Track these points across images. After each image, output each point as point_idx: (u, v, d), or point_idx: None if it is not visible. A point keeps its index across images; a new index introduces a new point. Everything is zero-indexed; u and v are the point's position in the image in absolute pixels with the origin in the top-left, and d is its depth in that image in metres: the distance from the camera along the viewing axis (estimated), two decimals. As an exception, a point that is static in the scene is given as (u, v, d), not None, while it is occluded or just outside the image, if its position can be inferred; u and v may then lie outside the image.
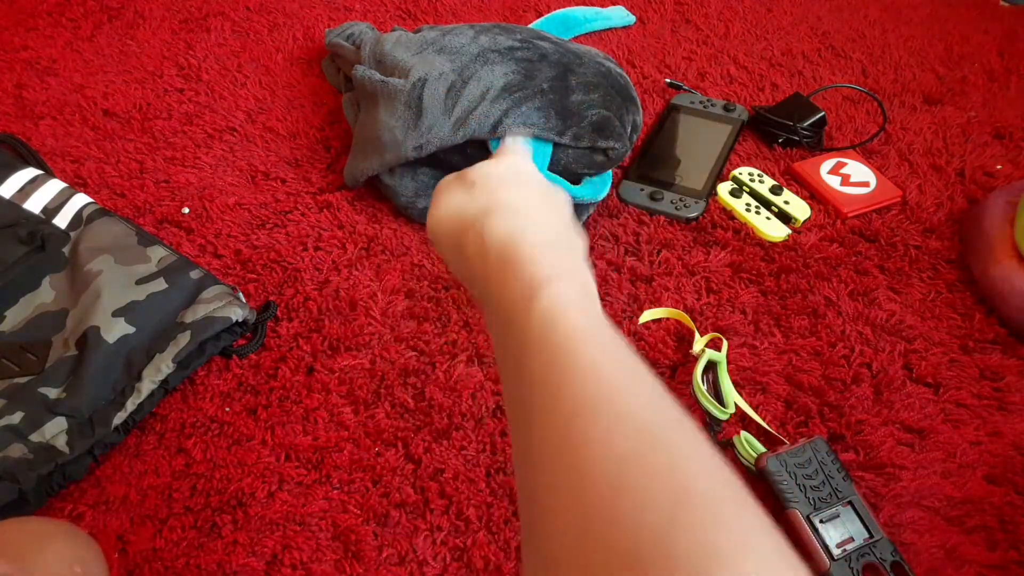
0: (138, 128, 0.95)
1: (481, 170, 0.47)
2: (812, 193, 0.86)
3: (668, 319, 0.75)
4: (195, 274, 0.73)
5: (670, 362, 0.71)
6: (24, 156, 0.87)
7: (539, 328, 0.34)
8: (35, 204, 0.79)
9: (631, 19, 1.13)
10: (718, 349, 0.70)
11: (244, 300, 0.73)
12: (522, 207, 0.43)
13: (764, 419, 0.66)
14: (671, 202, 0.84)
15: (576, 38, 1.10)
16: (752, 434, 0.65)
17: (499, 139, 0.75)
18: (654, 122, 0.96)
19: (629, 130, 0.80)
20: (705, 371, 0.68)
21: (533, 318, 0.35)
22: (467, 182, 0.46)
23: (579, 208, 0.81)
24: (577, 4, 1.15)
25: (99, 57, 1.06)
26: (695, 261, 0.79)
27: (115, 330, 0.67)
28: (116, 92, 1.00)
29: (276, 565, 0.58)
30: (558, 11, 1.12)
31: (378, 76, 0.80)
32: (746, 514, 0.27)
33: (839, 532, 0.58)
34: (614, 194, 0.86)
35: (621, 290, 0.77)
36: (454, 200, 0.45)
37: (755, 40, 1.09)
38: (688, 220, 0.83)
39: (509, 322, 0.37)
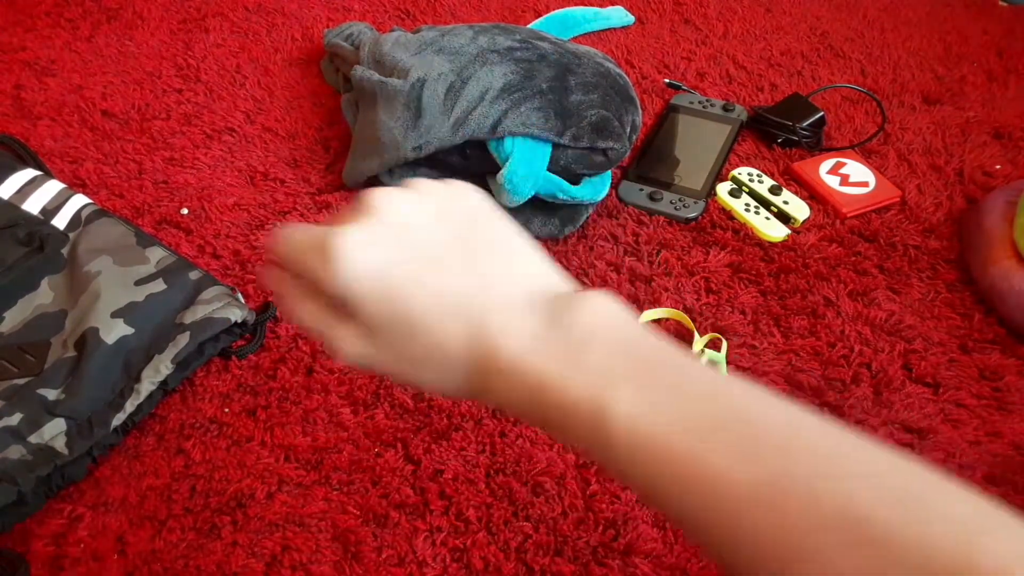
0: (137, 129, 0.95)
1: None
2: (811, 193, 0.86)
3: (668, 319, 0.75)
4: (194, 275, 0.73)
5: (670, 362, 0.71)
6: (22, 157, 0.87)
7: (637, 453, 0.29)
8: (33, 205, 0.79)
9: (630, 19, 1.13)
10: (717, 349, 0.70)
11: (243, 301, 0.73)
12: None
13: (764, 419, 0.66)
14: (670, 202, 0.84)
15: (575, 38, 1.10)
16: (752, 434, 0.65)
17: (499, 139, 0.75)
18: (653, 122, 0.96)
19: (628, 130, 0.80)
20: (705, 371, 0.68)
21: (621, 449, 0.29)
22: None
23: (578, 208, 0.81)
24: (576, 4, 1.15)
25: (98, 58, 1.06)
26: (694, 261, 0.79)
27: (114, 331, 0.67)
28: (115, 93, 1.00)
29: (276, 566, 0.58)
30: (557, 11, 1.12)
31: (377, 76, 0.80)
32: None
33: (839, 532, 0.58)
34: (613, 194, 0.86)
35: (620, 290, 0.77)
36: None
37: (754, 40, 1.09)
38: (687, 220, 0.83)
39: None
